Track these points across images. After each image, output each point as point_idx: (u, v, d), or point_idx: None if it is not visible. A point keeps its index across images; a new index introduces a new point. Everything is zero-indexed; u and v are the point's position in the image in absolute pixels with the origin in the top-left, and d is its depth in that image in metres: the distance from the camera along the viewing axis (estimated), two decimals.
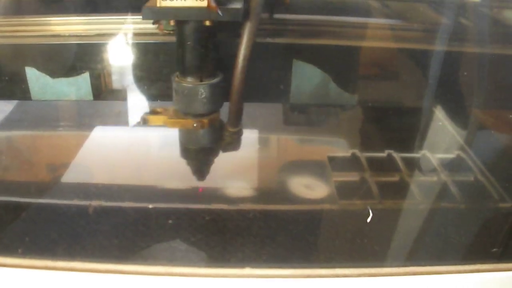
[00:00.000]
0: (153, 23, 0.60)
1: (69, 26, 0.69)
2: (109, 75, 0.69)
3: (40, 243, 0.56)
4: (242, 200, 0.67)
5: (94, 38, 0.69)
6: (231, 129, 0.61)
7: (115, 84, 0.69)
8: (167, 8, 0.53)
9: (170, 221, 0.57)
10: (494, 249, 0.55)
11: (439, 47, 0.71)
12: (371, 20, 0.81)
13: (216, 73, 0.61)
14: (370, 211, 0.60)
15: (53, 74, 0.69)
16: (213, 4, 0.53)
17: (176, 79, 0.59)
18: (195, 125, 0.60)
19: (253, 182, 0.70)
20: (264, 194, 0.69)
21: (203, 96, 0.59)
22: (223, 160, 0.67)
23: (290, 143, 0.84)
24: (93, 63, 0.68)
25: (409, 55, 0.72)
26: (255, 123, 0.82)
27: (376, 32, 0.75)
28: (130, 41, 0.69)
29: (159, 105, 0.63)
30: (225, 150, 0.64)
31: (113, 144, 0.76)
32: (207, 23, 0.55)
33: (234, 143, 0.63)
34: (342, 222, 0.63)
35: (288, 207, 0.65)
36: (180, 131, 0.64)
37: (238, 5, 0.55)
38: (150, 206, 0.60)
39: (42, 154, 0.78)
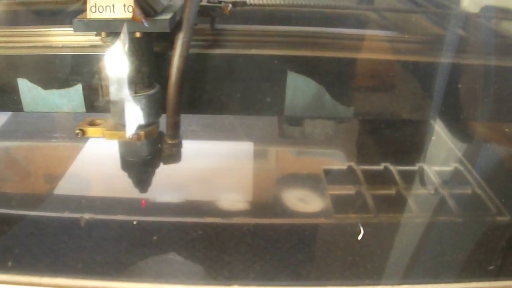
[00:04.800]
0: (95, 35, 0.60)
1: (62, 37, 0.69)
2: (103, 87, 0.68)
3: (30, 257, 0.55)
4: (237, 214, 0.66)
5: (88, 49, 0.68)
6: (170, 141, 0.61)
7: (104, 96, 0.69)
8: (97, 20, 0.54)
9: (154, 238, 0.56)
10: (491, 267, 0.54)
11: (434, 58, 0.71)
12: (362, 32, 0.81)
13: (152, 84, 0.61)
14: (362, 228, 0.59)
15: (45, 85, 0.68)
16: (138, 16, 0.53)
17: (112, 90, 0.59)
18: (130, 137, 0.59)
19: (247, 196, 0.69)
20: (258, 207, 0.68)
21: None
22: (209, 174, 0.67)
23: (285, 156, 0.83)
24: (86, 74, 0.68)
25: (404, 66, 0.71)
26: (249, 135, 0.81)
27: (368, 43, 0.75)
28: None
29: (101, 116, 0.63)
30: (165, 162, 0.64)
31: (102, 156, 0.76)
32: (137, 34, 0.55)
33: (173, 156, 0.62)
34: (336, 237, 0.62)
35: (282, 221, 0.64)
36: (120, 143, 0.64)
37: (166, 16, 0.55)
38: (135, 222, 0.59)
39: (33, 166, 0.77)
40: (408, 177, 0.73)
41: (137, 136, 0.60)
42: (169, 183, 0.70)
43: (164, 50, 0.64)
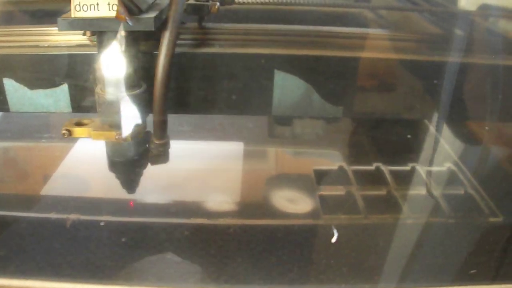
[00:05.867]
0: (83, 34, 0.60)
1: (48, 37, 0.68)
2: (89, 86, 0.68)
3: (14, 259, 0.55)
4: (223, 215, 0.65)
5: (74, 49, 0.67)
6: (157, 141, 0.61)
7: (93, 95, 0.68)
8: (81, 19, 0.54)
9: (123, 239, 0.56)
10: (473, 271, 0.53)
11: (428, 57, 0.70)
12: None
13: (139, 84, 0.60)
14: (335, 231, 0.58)
15: (31, 85, 0.68)
16: (121, 14, 0.52)
17: (99, 91, 0.59)
18: (117, 137, 0.59)
19: (234, 197, 0.69)
20: (245, 209, 0.67)
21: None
22: (203, 174, 0.66)
23: (276, 156, 0.82)
24: (72, 74, 0.67)
25: (398, 65, 0.70)
26: (240, 135, 0.81)
27: (363, 42, 0.74)
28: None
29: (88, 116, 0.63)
30: (152, 163, 0.63)
31: (91, 158, 0.75)
32: (122, 33, 0.55)
33: (161, 156, 0.62)
34: (324, 239, 0.61)
35: (269, 221, 0.64)
36: (107, 144, 0.63)
37: (151, 15, 0.55)
38: (102, 223, 0.58)
39: (19, 166, 0.77)
40: (400, 178, 0.72)
41: (123, 136, 0.59)
42: (157, 184, 0.69)
43: (151, 49, 0.63)
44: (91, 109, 0.69)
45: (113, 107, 0.59)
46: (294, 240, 0.60)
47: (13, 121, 0.84)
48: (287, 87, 0.67)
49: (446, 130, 0.77)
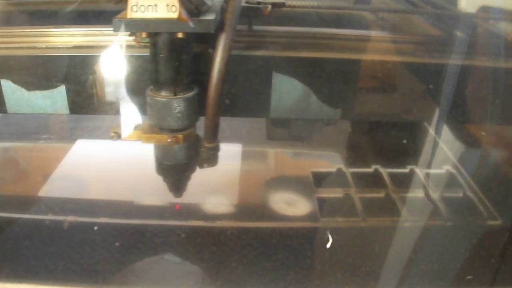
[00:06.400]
0: (130, 35, 0.59)
1: (46, 38, 0.68)
2: (87, 88, 0.68)
3: (11, 261, 0.54)
4: (219, 217, 0.65)
5: (72, 50, 0.67)
6: (207, 145, 0.59)
7: (92, 97, 0.68)
8: (138, 20, 0.51)
9: (116, 244, 0.56)
10: (470, 277, 0.52)
11: (423, 59, 0.69)
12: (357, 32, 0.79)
13: (191, 86, 0.59)
14: (330, 237, 0.58)
15: (29, 87, 0.67)
16: (184, 16, 0.51)
17: (150, 93, 0.57)
18: (169, 140, 0.58)
19: (232, 199, 0.69)
20: (243, 211, 0.67)
21: (177, 110, 0.57)
22: (201, 177, 0.66)
23: (274, 158, 0.82)
24: (70, 76, 0.67)
25: (394, 67, 0.70)
26: (237, 138, 0.80)
27: (359, 44, 0.73)
28: (108, 54, 0.67)
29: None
30: (202, 166, 0.62)
31: (89, 159, 0.75)
32: (180, 35, 0.54)
33: (211, 159, 0.61)
34: (322, 241, 0.61)
35: (266, 224, 0.63)
36: (155, 146, 0.62)
37: (210, 17, 0.53)
38: (95, 228, 0.58)
39: (16, 167, 0.77)
40: (399, 180, 0.72)
41: (175, 139, 0.58)
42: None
43: (202, 51, 0.62)
44: (88, 110, 0.69)
45: (165, 110, 0.57)
46: (292, 242, 0.60)
47: (11, 123, 0.84)
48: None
49: (445, 133, 0.76)
